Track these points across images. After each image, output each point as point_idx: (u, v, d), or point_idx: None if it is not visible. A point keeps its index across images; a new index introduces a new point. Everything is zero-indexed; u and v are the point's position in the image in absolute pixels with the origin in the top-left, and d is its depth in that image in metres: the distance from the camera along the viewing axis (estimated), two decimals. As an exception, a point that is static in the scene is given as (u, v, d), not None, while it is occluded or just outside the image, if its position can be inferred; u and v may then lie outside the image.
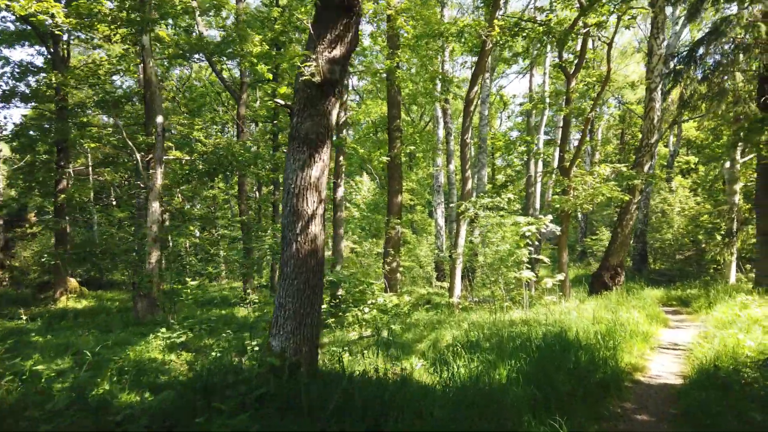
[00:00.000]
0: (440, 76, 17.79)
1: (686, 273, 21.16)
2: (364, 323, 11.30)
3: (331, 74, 5.14)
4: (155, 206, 11.86)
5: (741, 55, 13.73)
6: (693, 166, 33.66)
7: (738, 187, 18.09)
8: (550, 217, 11.85)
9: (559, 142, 14.76)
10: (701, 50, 14.24)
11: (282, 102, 5.21)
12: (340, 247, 12.73)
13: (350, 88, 29.52)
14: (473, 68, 13.53)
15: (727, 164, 19.34)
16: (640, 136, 32.89)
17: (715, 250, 17.07)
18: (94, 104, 15.79)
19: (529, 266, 12.12)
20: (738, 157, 18.06)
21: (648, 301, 12.99)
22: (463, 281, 16.55)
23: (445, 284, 19.20)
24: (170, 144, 14.47)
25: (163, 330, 7.86)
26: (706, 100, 13.76)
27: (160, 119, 12.39)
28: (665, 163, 32.31)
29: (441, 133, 22.75)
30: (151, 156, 13.06)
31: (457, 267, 13.75)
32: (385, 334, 9.36)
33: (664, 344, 9.72)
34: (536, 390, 5.61)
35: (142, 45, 12.24)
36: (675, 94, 21.88)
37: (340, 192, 12.96)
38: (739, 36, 13.33)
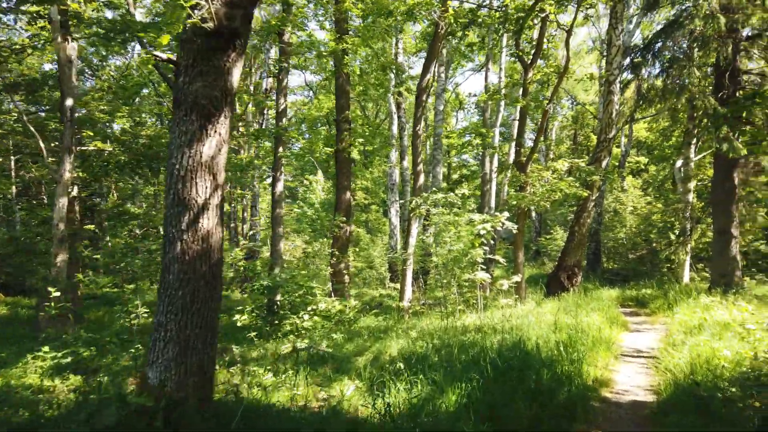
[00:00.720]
0: (393, 66, 16.70)
1: (640, 272, 20.81)
2: (303, 332, 10.05)
3: (229, 20, 3.89)
4: (63, 201, 10.23)
5: (698, 50, 13.24)
6: (643, 167, 33.92)
7: (692, 185, 17.76)
8: (506, 214, 10.90)
9: (515, 136, 13.89)
10: (659, 43, 13.68)
11: (163, 56, 3.92)
12: (279, 247, 11.39)
13: (304, 82, 27.97)
14: (426, 55, 12.49)
15: (678, 163, 19.05)
16: (592, 136, 32.81)
17: (669, 250, 16.64)
18: (2, 88, 13.88)
19: (484, 267, 11.14)
20: (692, 155, 17.74)
21: (606, 303, 12.25)
22: (416, 283, 15.51)
23: (399, 286, 18.13)
24: (90, 133, 12.77)
25: (45, 348, 6.37)
26: (664, 94, 13.18)
27: (69, 102, 10.74)
28: (617, 163, 32.35)
29: (395, 128, 21.70)
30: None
31: (408, 268, 12.67)
32: (324, 345, 8.15)
33: (627, 351, 8.90)
34: (492, 421, 4.54)
35: (50, 19, 10.59)
36: (630, 92, 21.52)
37: (280, 186, 11.61)
38: (698, 28, 12.80)
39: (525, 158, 13.04)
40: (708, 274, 17.92)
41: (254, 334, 9.53)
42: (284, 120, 11.76)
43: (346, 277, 14.59)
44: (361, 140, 13.23)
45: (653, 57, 13.40)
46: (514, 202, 11.76)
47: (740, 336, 7.01)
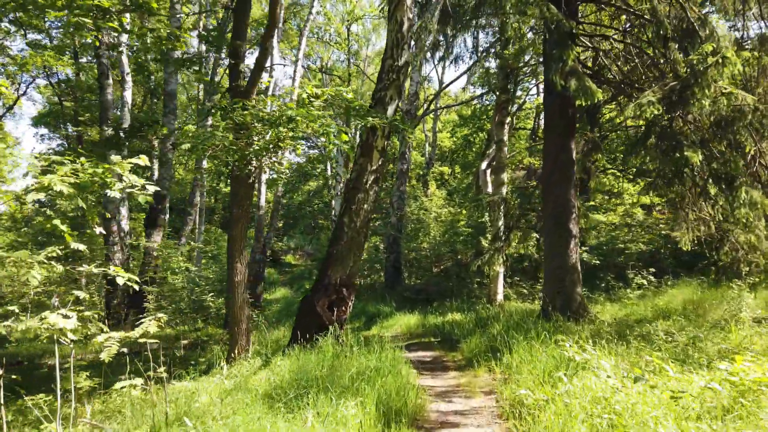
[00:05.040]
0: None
1: (445, 289, 15.58)
2: None
3: None
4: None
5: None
6: (447, 178, 30.56)
7: (505, 177, 12.90)
8: (140, 160, 3.82)
9: (230, 37, 7.00)
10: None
11: None
12: None
13: None
14: None
15: (483, 165, 14.43)
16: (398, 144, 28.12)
17: (481, 259, 11.32)
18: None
19: (82, 300, 3.84)
20: (505, 136, 12.95)
21: (393, 358, 5.83)
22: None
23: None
24: None
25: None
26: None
27: None
28: (421, 173, 28.48)
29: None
30: None
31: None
32: None
33: None
34: None
35: None
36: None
37: None
38: None
39: (248, 80, 6.24)
40: (525, 289, 13.21)
41: None
42: None
43: None
44: None
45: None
46: (191, 145, 4.78)
47: None
